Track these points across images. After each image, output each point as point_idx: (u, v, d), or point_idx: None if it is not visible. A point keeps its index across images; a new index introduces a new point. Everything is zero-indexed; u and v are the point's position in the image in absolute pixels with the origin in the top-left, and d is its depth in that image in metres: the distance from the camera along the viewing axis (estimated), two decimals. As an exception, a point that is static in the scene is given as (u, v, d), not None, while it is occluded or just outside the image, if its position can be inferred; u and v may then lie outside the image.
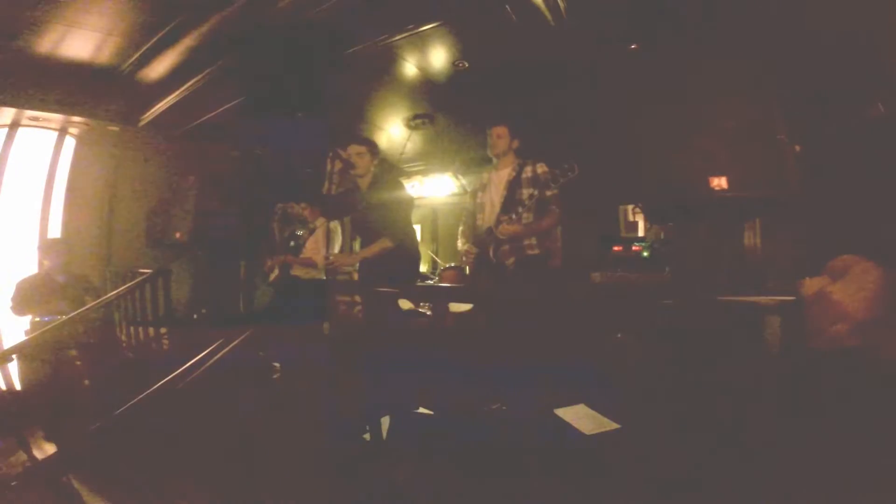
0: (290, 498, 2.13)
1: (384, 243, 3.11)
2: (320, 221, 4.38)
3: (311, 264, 4.24)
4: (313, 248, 4.30)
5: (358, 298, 3.67)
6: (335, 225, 4.37)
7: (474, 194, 3.43)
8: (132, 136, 5.27)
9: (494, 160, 3.28)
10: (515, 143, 3.23)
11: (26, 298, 4.04)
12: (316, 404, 2.90)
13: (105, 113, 4.82)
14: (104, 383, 3.59)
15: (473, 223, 3.39)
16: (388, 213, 3.17)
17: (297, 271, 4.28)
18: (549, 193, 3.00)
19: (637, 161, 2.70)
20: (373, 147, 3.27)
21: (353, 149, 3.22)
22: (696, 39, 3.02)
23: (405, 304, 4.62)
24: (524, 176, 3.12)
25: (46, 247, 4.36)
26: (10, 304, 4.04)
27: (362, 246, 3.32)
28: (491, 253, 3.14)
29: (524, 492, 1.99)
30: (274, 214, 4.59)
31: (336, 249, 4.32)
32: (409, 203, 3.36)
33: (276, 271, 4.47)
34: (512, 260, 3.10)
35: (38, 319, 3.97)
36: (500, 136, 3.19)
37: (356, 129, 5.22)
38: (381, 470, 2.20)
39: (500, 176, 3.24)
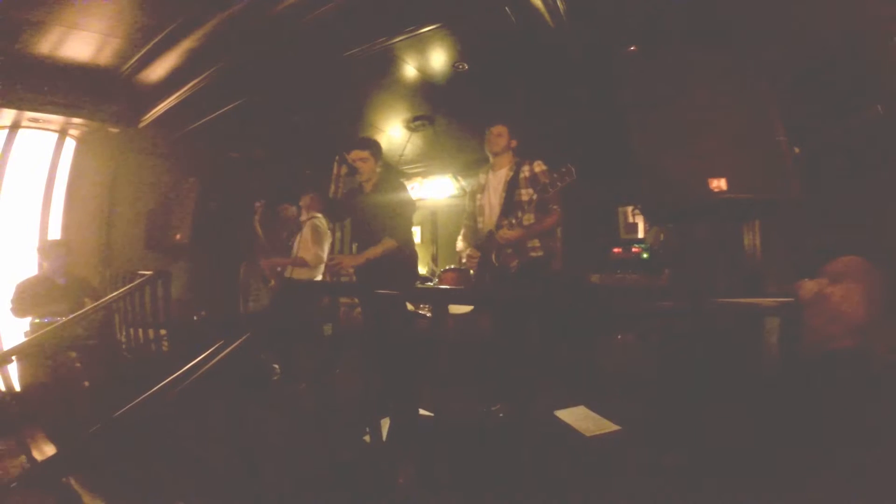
0: (290, 500, 2.14)
1: (388, 243, 3.10)
2: (308, 221, 4.37)
3: (302, 264, 4.22)
4: (303, 246, 4.29)
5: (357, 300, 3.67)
6: (321, 222, 4.36)
7: (473, 196, 3.43)
8: (132, 137, 5.26)
9: (491, 158, 3.28)
10: (514, 143, 3.23)
11: (26, 300, 4.04)
12: (315, 406, 2.90)
13: (105, 115, 4.82)
14: (104, 385, 3.59)
15: (474, 225, 3.39)
16: (392, 214, 3.17)
17: (295, 273, 4.27)
18: (548, 194, 3.01)
19: (636, 162, 2.69)
20: (375, 150, 3.28)
21: (356, 154, 3.22)
22: (695, 41, 3.02)
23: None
24: (522, 176, 3.12)
25: (46, 248, 4.37)
26: (9, 305, 4.04)
27: (361, 248, 3.31)
28: (493, 257, 3.13)
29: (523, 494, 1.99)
30: (254, 212, 4.50)
31: (326, 247, 4.32)
32: (411, 205, 3.36)
33: (273, 281, 4.47)
34: (515, 263, 3.09)
35: (38, 321, 3.98)
36: (499, 135, 3.19)
37: (357, 132, 5.23)
38: (381, 472, 2.20)
39: (498, 177, 3.24)
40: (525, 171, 3.12)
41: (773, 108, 2.42)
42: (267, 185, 5.87)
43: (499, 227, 3.06)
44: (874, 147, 2.40)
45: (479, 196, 3.35)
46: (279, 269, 4.40)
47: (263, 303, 4.99)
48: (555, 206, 3.05)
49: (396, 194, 3.24)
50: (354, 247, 3.44)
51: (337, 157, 3.23)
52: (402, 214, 3.24)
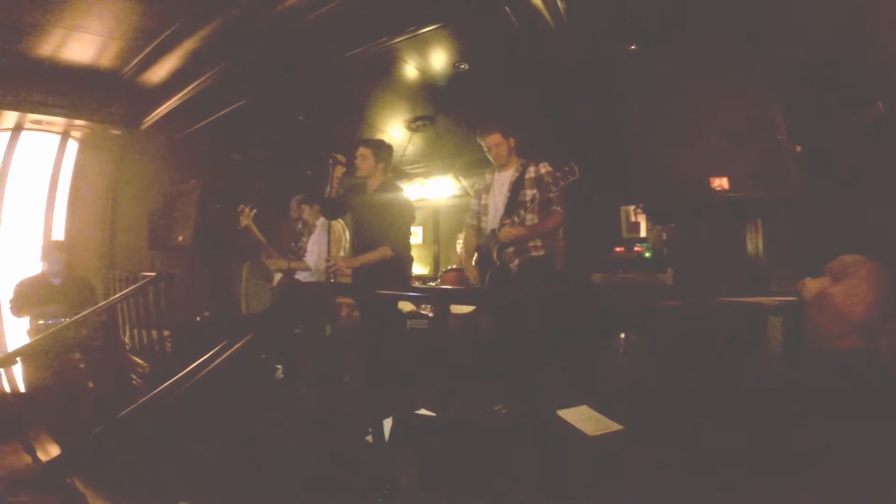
0: (292, 499, 2.14)
1: (386, 252, 3.16)
2: (322, 222, 4.36)
3: (305, 268, 4.21)
4: (310, 249, 4.28)
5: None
6: (337, 224, 4.35)
7: (478, 196, 3.43)
8: (134, 139, 5.28)
9: (497, 166, 3.30)
10: (512, 143, 3.24)
11: (23, 299, 4.06)
12: (318, 406, 2.91)
13: (107, 116, 4.84)
14: (108, 386, 3.60)
15: (478, 225, 3.40)
16: (391, 222, 3.21)
17: (299, 275, 4.27)
18: (551, 194, 3.01)
19: (638, 162, 2.69)
20: (377, 150, 3.31)
21: (359, 150, 3.30)
22: (696, 39, 3.02)
23: (406, 306, 4.62)
24: (527, 176, 3.12)
25: (46, 249, 4.36)
26: (9, 304, 4.06)
27: (357, 248, 3.35)
28: (494, 255, 3.14)
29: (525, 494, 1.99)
30: (239, 213, 4.35)
31: (340, 251, 4.30)
32: (411, 215, 3.40)
33: (280, 276, 4.45)
34: (516, 262, 3.10)
35: (41, 322, 3.98)
36: (497, 144, 3.20)
37: (359, 132, 5.24)
38: (384, 472, 2.21)
39: (504, 177, 3.24)
40: (531, 172, 3.12)
41: (775, 106, 2.42)
42: (267, 186, 5.89)
43: (501, 225, 3.07)
44: (877, 145, 2.40)
45: (484, 195, 3.36)
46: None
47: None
48: (558, 208, 3.06)
49: (398, 203, 3.28)
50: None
51: (330, 159, 3.29)
52: (401, 224, 3.30)
